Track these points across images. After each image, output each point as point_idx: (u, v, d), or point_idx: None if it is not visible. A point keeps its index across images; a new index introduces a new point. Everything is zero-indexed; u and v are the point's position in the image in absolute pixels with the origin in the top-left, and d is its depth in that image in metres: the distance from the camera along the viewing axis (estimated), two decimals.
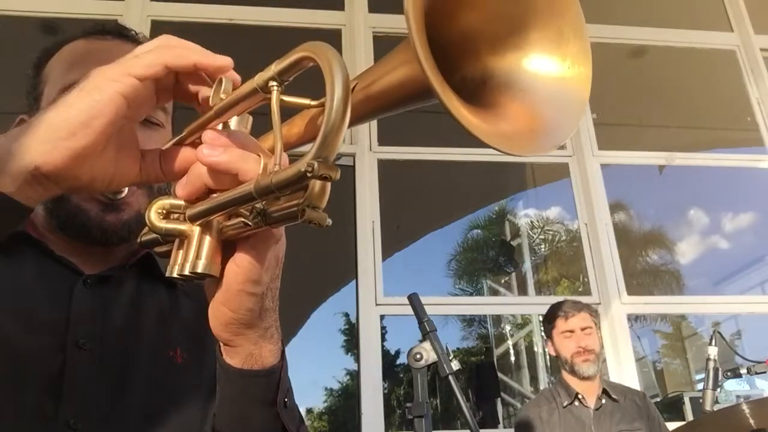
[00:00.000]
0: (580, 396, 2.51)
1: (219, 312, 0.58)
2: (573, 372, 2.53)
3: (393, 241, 5.97)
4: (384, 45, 3.63)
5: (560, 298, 2.71)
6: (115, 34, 0.87)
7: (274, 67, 0.47)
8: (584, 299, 2.98)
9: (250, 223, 0.50)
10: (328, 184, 0.45)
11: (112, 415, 0.72)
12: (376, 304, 3.15)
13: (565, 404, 2.51)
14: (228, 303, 0.57)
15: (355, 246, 3.24)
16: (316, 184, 0.45)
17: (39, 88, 0.84)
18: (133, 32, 0.89)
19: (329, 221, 0.46)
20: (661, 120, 5.15)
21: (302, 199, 0.45)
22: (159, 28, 3.43)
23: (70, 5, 3.42)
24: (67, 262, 0.79)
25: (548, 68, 0.50)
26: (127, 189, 0.79)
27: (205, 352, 0.80)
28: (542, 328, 2.74)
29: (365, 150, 3.41)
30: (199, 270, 0.52)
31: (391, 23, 3.67)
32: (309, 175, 0.42)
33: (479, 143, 0.43)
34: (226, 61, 0.52)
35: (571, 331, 2.54)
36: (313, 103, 0.48)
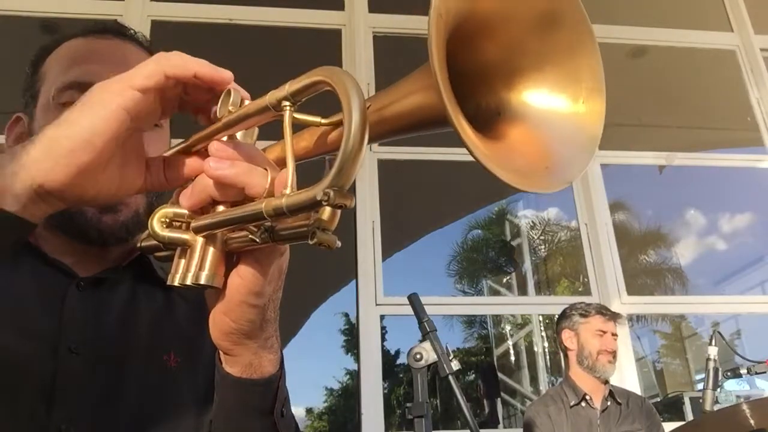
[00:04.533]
0: (587, 397, 2.54)
1: (220, 321, 0.58)
2: (591, 369, 2.56)
3: (393, 241, 5.96)
4: (384, 45, 3.63)
5: (560, 298, 2.73)
6: (114, 33, 0.86)
7: (288, 87, 0.47)
8: (584, 299, 2.98)
9: (257, 240, 0.50)
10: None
11: (104, 420, 0.71)
12: (376, 304, 3.15)
13: (572, 404, 2.53)
14: (229, 313, 0.57)
15: (355, 246, 3.24)
16: (327, 208, 0.44)
17: (36, 86, 0.84)
18: (132, 31, 0.88)
19: (339, 243, 0.46)
20: (661, 120, 5.14)
21: (313, 220, 0.45)
22: (159, 28, 3.43)
23: (69, 5, 3.42)
24: (60, 264, 0.78)
25: (562, 104, 0.50)
26: None
27: (199, 355, 0.79)
28: (562, 320, 2.72)
29: (365, 150, 3.41)
30: (202, 281, 0.52)
31: (391, 23, 3.67)
32: (324, 203, 0.42)
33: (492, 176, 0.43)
34: (226, 74, 0.52)
35: (604, 332, 2.59)
36: (324, 121, 0.49)
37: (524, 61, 0.50)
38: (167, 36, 3.40)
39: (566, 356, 2.69)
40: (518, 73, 0.50)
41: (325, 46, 3.80)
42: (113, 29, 0.87)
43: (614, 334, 2.62)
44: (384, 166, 3.45)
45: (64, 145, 0.49)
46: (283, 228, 0.48)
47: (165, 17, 3.51)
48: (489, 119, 0.49)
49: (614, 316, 2.67)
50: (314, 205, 0.43)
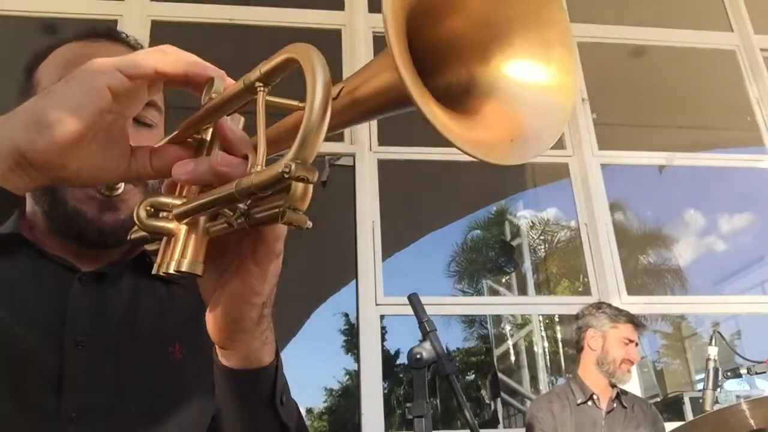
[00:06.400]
0: (595, 397, 2.53)
1: (218, 319, 0.59)
2: (610, 374, 2.54)
3: (393, 241, 5.97)
4: (384, 45, 3.62)
5: (560, 298, 2.72)
6: (106, 37, 0.87)
7: (261, 68, 0.48)
8: (584, 299, 2.98)
9: (233, 224, 0.50)
10: (310, 187, 0.45)
11: (113, 411, 0.73)
12: (376, 304, 3.14)
13: (578, 402, 2.52)
14: (230, 313, 0.58)
15: (355, 246, 3.24)
16: (299, 187, 0.45)
17: (31, 92, 0.84)
18: (124, 35, 0.89)
19: (309, 224, 0.47)
20: (661, 120, 5.14)
21: (284, 200, 0.46)
22: (159, 28, 3.43)
23: (70, 5, 3.42)
24: (63, 261, 0.79)
25: (532, 77, 0.50)
26: (123, 186, 0.79)
27: (203, 346, 0.80)
28: (589, 318, 2.68)
29: (365, 150, 3.41)
30: (184, 269, 0.52)
31: None
32: (286, 176, 0.42)
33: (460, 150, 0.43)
34: (218, 73, 0.53)
35: (631, 341, 2.59)
36: (300, 104, 0.49)
37: (491, 33, 0.50)
38: (167, 36, 3.39)
39: (580, 353, 2.65)
40: (487, 47, 0.50)
41: (325, 46, 3.76)
42: (105, 33, 0.88)
43: (636, 344, 2.62)
44: (384, 166, 3.45)
45: (47, 114, 0.49)
46: (258, 211, 0.49)
47: (165, 17, 3.51)
48: (460, 96, 0.49)
49: (642, 327, 2.68)
50: (279, 181, 0.43)
